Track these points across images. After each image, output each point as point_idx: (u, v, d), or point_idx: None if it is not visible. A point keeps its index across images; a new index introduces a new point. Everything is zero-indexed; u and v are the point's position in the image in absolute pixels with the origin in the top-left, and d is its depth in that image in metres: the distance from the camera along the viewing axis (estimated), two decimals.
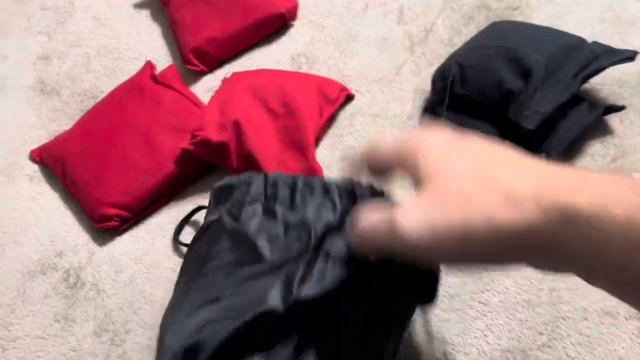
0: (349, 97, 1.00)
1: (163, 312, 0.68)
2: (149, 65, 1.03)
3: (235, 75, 1.00)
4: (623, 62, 0.88)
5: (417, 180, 0.43)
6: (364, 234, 0.45)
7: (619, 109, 0.90)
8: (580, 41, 0.92)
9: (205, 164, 0.94)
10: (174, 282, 0.86)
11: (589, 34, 0.96)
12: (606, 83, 0.96)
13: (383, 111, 0.99)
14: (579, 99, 0.90)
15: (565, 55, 0.89)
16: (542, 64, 0.87)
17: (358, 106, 1.00)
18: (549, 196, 0.36)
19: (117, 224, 0.90)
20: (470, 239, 0.38)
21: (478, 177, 0.41)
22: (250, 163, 0.88)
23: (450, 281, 0.83)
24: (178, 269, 0.87)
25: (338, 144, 0.96)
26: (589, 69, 0.88)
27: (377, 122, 0.98)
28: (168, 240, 0.90)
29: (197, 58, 1.06)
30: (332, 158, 0.95)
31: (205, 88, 1.06)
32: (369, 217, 0.44)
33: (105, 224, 0.90)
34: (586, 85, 0.93)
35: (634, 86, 0.96)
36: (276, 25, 1.10)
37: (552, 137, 0.87)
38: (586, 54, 0.90)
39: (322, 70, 1.04)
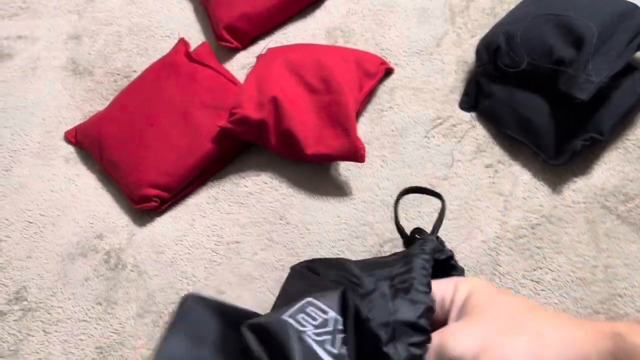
0: (389, 71, 0.97)
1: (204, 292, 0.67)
2: (183, 43, 1.01)
3: (271, 50, 0.97)
4: None
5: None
6: None
7: None
8: (634, 7, 0.87)
9: (243, 142, 0.92)
10: (214, 263, 0.85)
11: None
12: None
13: (424, 84, 0.95)
14: (632, 67, 0.86)
15: (618, 21, 0.85)
16: (594, 31, 0.83)
17: (398, 80, 0.97)
18: None
19: (156, 204, 0.88)
20: None
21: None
22: (289, 140, 0.86)
23: (501, 259, 0.80)
24: (218, 249, 0.86)
25: (378, 119, 0.94)
26: None
27: (418, 96, 0.95)
28: (207, 221, 0.89)
29: (230, 35, 1.04)
30: (372, 134, 0.92)
31: (240, 65, 1.03)
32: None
33: (145, 205, 0.89)
34: (638, 54, 0.88)
35: None
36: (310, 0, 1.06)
37: (604, 108, 0.83)
38: (639, 20, 0.85)
39: (359, 44, 1.01)
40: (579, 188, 0.84)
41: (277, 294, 0.52)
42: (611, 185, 0.83)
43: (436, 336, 0.42)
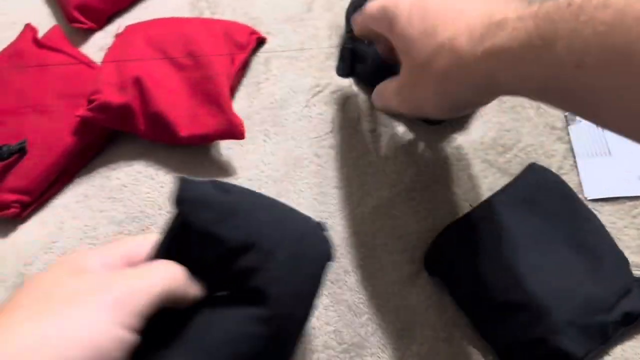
0: (261, 41, 0.92)
1: None
2: (29, 29, 0.90)
3: (130, 28, 0.89)
4: None
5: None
6: None
7: None
8: None
9: (109, 130, 0.83)
10: None
11: None
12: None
13: (299, 52, 0.92)
14: None
15: None
16: None
17: (272, 49, 0.92)
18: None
19: (17, 210, 0.78)
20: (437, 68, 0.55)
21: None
22: (160, 124, 0.79)
23: (395, 223, 0.79)
24: None
25: (256, 93, 0.89)
26: None
27: (294, 65, 0.91)
28: (79, 222, 0.80)
29: (83, 14, 0.94)
30: (251, 108, 0.88)
31: (97, 47, 0.94)
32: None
33: (4, 213, 0.78)
34: None
35: None
36: None
37: None
38: None
39: (226, 14, 0.95)
40: (459, 145, 0.84)
41: None
42: (489, 138, 0.85)
43: None
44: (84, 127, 0.80)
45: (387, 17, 0.57)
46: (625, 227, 0.78)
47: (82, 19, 0.93)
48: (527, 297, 0.68)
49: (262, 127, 0.86)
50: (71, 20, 0.94)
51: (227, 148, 0.84)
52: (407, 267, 0.76)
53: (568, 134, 0.84)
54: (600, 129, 0.83)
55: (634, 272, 0.73)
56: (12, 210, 0.79)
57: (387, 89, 0.67)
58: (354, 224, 0.79)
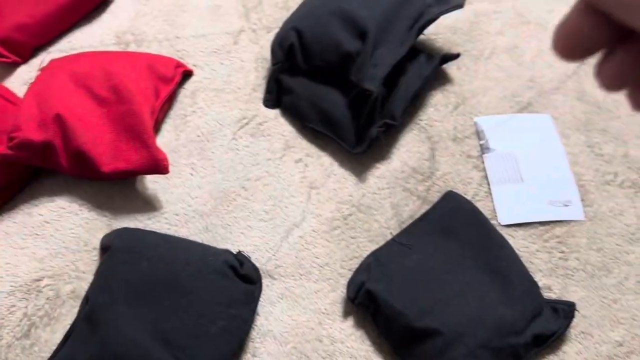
0: (187, 73, 0.93)
1: None
2: None
3: (53, 62, 0.89)
4: (453, 10, 0.90)
5: None
6: None
7: (454, 57, 0.92)
8: None
9: (32, 167, 0.83)
10: (13, 309, 0.76)
11: None
12: (440, 32, 0.98)
13: (225, 84, 0.93)
14: (416, 51, 0.91)
15: (397, 9, 0.89)
16: (376, 22, 0.86)
17: (198, 82, 0.93)
18: None
19: None
20: None
21: None
22: (82, 160, 0.79)
23: (319, 251, 0.81)
24: (16, 292, 0.77)
25: (182, 126, 0.90)
26: (422, 19, 0.88)
27: (221, 97, 0.92)
28: (1, 260, 0.79)
29: (6, 49, 0.93)
30: (178, 141, 0.88)
31: (22, 81, 0.93)
32: None
33: None
34: (421, 37, 0.94)
35: (466, 32, 0.99)
36: (94, 2, 0.98)
37: (395, 94, 0.87)
38: (418, 5, 0.90)
39: (152, 47, 0.96)
40: (381, 174, 0.87)
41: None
42: (409, 167, 0.88)
43: None
44: (4, 164, 0.80)
45: None
46: (538, 250, 0.82)
47: (5, 53, 0.93)
48: (442, 322, 0.71)
49: (188, 161, 0.87)
50: None
51: (153, 182, 0.85)
52: (331, 295, 0.78)
53: (483, 162, 0.88)
54: (513, 157, 0.88)
55: (545, 294, 0.77)
56: None
57: None
58: (280, 256, 0.80)
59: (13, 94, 0.89)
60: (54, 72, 0.85)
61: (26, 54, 0.95)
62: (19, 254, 0.80)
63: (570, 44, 0.28)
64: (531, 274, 0.78)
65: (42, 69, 0.88)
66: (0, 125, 0.82)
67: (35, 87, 0.84)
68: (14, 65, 0.95)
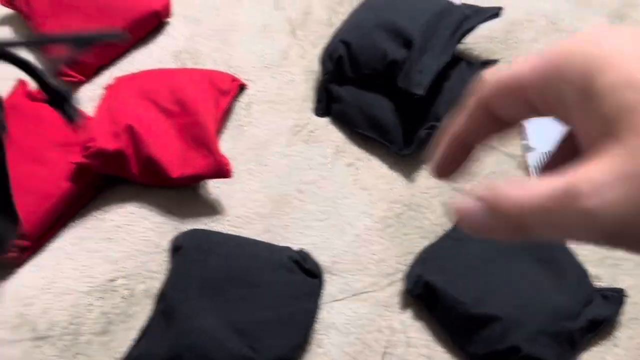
0: (242, 87, 0.99)
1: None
2: (22, 84, 0.95)
3: (119, 79, 0.95)
4: (490, 19, 0.96)
5: (596, 120, 0.21)
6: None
7: (493, 62, 0.97)
8: (449, 4, 0.98)
9: (104, 176, 0.88)
10: (90, 307, 0.81)
11: None
12: (477, 41, 1.03)
13: (278, 96, 0.99)
14: (457, 59, 0.97)
15: (439, 19, 0.95)
16: (420, 31, 0.92)
17: (252, 94, 0.99)
18: None
19: (16, 254, 0.82)
20: None
21: None
22: (152, 168, 0.85)
23: (375, 248, 0.85)
24: (92, 291, 0.82)
25: (239, 135, 0.95)
26: (462, 29, 0.94)
27: (274, 108, 0.98)
28: (75, 263, 0.84)
29: (71, 68, 1.00)
30: (236, 150, 0.94)
31: (87, 98, 0.99)
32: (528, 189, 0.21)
33: (4, 257, 0.82)
34: (460, 46, 0.99)
35: (502, 40, 1.04)
36: (152, 24, 1.05)
37: (440, 98, 0.92)
38: (457, 15, 0.96)
39: (208, 64, 1.02)
40: (430, 175, 0.91)
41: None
42: None
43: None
44: (79, 173, 0.85)
45: (579, 71, 0.21)
46: None
47: (71, 72, 0.99)
48: (499, 309, 0.75)
49: (246, 167, 0.92)
50: (61, 74, 0.99)
51: (215, 187, 0.90)
52: (389, 288, 0.82)
53: (526, 161, 0.93)
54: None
55: (594, 283, 0.80)
56: (12, 254, 0.82)
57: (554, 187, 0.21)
58: (338, 253, 0.85)
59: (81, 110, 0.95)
60: (121, 88, 0.92)
61: (90, 73, 1.02)
62: (94, 257, 0.85)
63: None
64: (581, 263, 0.82)
65: (109, 86, 0.94)
66: (73, 137, 0.88)
67: (106, 102, 0.90)
68: (79, 84, 1.01)
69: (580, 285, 0.80)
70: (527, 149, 0.94)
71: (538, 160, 0.92)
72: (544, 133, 0.94)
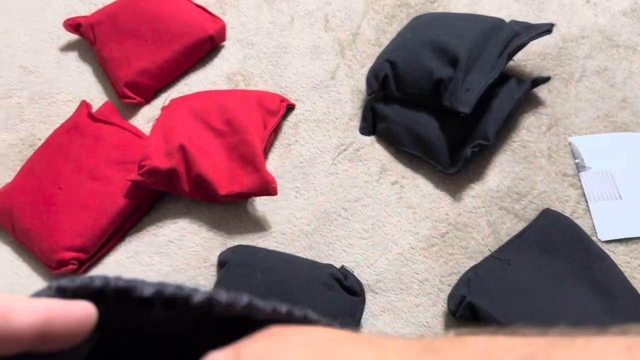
0: (290, 107, 1.02)
1: None
2: (84, 105, 1.02)
3: (174, 101, 1.00)
4: (542, 36, 0.94)
5: None
6: None
7: (545, 80, 0.95)
8: (499, 22, 0.97)
9: (157, 192, 0.93)
10: None
11: (506, 15, 1.01)
12: (529, 58, 1.02)
13: (325, 115, 1.01)
14: (507, 76, 0.95)
15: (487, 37, 0.94)
16: (466, 49, 0.91)
17: (300, 114, 1.01)
18: None
19: (74, 267, 0.87)
20: None
21: None
22: (202, 185, 0.88)
23: (418, 267, 0.85)
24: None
25: (287, 154, 0.98)
26: (511, 46, 0.93)
27: (321, 127, 1.00)
28: (129, 276, 0.88)
29: (132, 91, 1.06)
30: (283, 168, 0.96)
31: (145, 119, 1.05)
32: None
33: (63, 269, 0.87)
34: (511, 63, 0.98)
35: (555, 57, 1.02)
36: (207, 48, 1.10)
37: (487, 116, 0.91)
38: (506, 33, 0.95)
39: (259, 85, 1.06)
40: (477, 194, 0.90)
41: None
42: (505, 186, 0.91)
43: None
44: (134, 190, 0.90)
45: None
46: None
47: (131, 95, 1.05)
48: None
49: (293, 185, 0.94)
50: (122, 96, 1.06)
51: (262, 204, 0.93)
52: (432, 309, 0.81)
53: (579, 180, 0.90)
54: (610, 175, 0.89)
55: None
56: (71, 267, 0.88)
57: None
58: (381, 271, 0.85)
59: (139, 130, 1.00)
60: (175, 109, 0.96)
61: (149, 96, 1.08)
62: (146, 270, 0.89)
63: None
64: (634, 289, 0.78)
65: (165, 107, 0.99)
66: (130, 155, 0.93)
67: (160, 122, 0.95)
68: (139, 106, 1.07)
69: (631, 310, 0.76)
70: (581, 167, 0.90)
71: (592, 180, 0.89)
72: (597, 151, 0.91)
